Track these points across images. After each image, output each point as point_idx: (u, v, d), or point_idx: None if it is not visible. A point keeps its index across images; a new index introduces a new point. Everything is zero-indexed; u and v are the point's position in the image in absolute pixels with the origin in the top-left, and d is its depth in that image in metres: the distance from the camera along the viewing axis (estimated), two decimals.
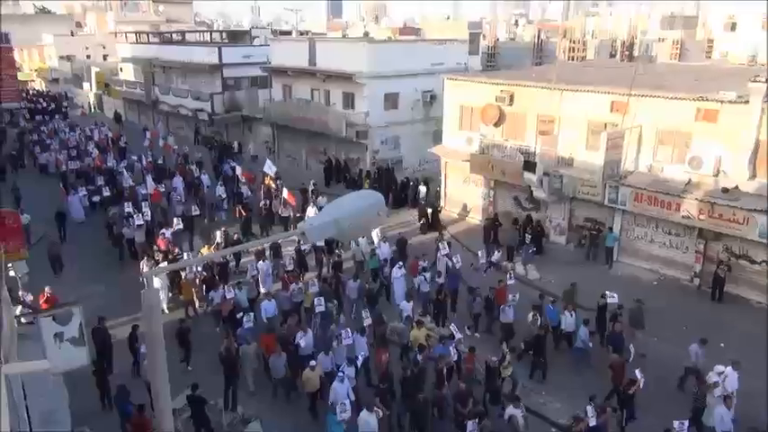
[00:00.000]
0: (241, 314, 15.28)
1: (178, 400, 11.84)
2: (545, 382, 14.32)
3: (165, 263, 17.98)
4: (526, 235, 21.22)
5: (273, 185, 25.77)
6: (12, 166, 34.74)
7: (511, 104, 23.08)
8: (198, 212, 23.60)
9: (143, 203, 23.06)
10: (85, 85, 62.06)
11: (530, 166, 21.80)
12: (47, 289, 15.78)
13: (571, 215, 22.38)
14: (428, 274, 17.69)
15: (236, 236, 21.41)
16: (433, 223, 24.58)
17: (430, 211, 24.88)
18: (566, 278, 18.03)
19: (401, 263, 18.40)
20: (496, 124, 23.62)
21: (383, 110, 30.13)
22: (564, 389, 13.92)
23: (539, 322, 14.85)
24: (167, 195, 26.06)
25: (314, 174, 30.74)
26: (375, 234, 20.78)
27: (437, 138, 27.97)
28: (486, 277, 18.19)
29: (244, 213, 23.87)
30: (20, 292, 15.15)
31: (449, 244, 19.96)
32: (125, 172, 28.82)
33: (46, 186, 29.89)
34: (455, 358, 13.57)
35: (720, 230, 17.99)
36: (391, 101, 30.35)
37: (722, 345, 14.75)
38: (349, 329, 14.06)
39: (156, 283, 16.66)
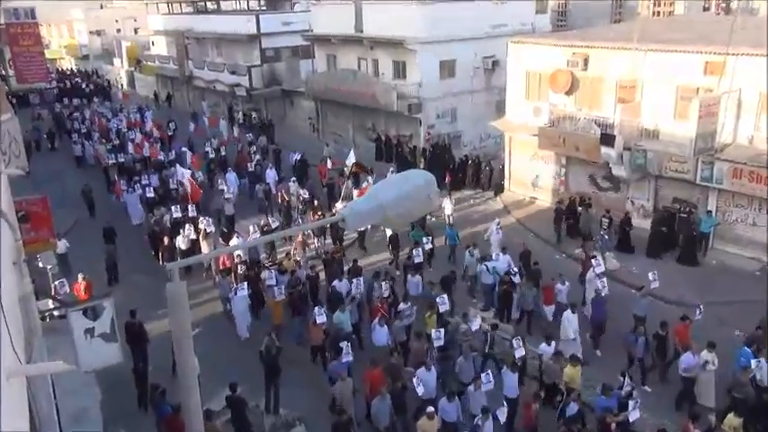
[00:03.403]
0: (346, 342, 13.50)
1: (217, 401, 12.16)
2: None
3: (245, 281, 16.53)
4: (603, 219, 20.64)
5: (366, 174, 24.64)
6: (38, 148, 34.96)
7: (585, 69, 22.44)
8: (276, 223, 21.16)
9: (190, 207, 21.75)
10: (116, 61, 63.98)
11: (607, 139, 21.19)
12: (80, 276, 16.50)
13: (657, 195, 21.69)
14: (476, 252, 17.11)
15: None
16: (575, 226, 21.71)
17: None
18: (650, 268, 17.34)
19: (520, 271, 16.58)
20: (568, 92, 23.06)
21: (438, 79, 29.82)
22: None
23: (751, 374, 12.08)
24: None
25: (362, 153, 30.73)
26: (495, 243, 19.31)
27: (500, 109, 27.51)
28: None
29: (286, 200, 23.15)
30: (54, 283, 15.84)
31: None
32: (178, 166, 25.84)
33: (88, 181, 27.45)
34: (636, 416, 11.31)
35: None
36: (447, 69, 29.99)
37: None
38: (490, 372, 12.27)
39: (240, 305, 16.08)
